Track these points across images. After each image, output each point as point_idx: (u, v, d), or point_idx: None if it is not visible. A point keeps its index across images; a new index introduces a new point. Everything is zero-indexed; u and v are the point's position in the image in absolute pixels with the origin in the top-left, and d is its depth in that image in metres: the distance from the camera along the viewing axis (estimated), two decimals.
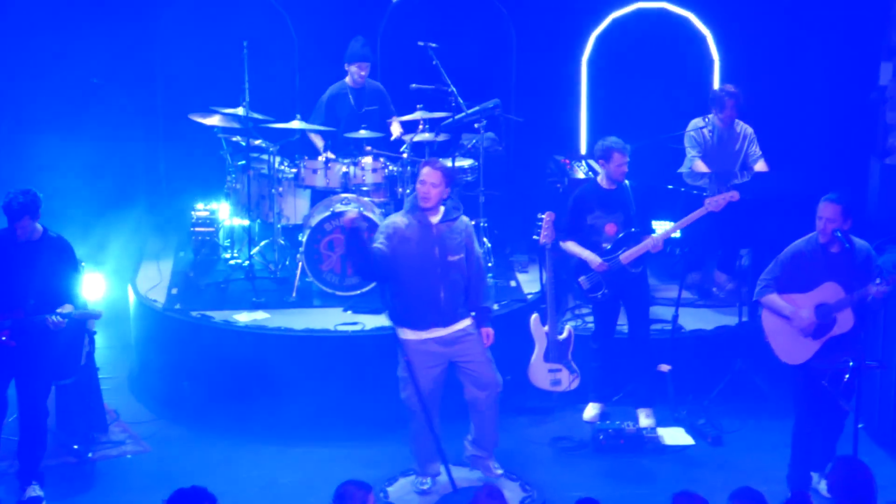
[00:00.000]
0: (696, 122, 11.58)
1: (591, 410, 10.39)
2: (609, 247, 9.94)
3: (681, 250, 11.45)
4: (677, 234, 11.02)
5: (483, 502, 6.76)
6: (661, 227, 10.32)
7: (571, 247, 10.02)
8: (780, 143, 12.67)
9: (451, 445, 9.21)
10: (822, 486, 8.83)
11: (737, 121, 11.55)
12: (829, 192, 8.69)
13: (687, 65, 12.98)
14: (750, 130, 11.57)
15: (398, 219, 8.82)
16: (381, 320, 10.38)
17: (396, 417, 10.03)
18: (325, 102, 11.81)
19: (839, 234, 8.56)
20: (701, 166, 11.46)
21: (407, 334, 8.83)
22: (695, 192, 10.98)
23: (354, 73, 11.70)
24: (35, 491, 8.94)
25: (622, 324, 10.32)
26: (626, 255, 9.90)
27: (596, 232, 9.98)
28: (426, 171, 8.71)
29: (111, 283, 10.95)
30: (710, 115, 11.51)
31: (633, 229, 9.93)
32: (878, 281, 8.52)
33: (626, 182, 10.00)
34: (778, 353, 8.86)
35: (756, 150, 11.52)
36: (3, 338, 8.65)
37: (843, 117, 12.73)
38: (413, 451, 9.14)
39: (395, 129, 11.79)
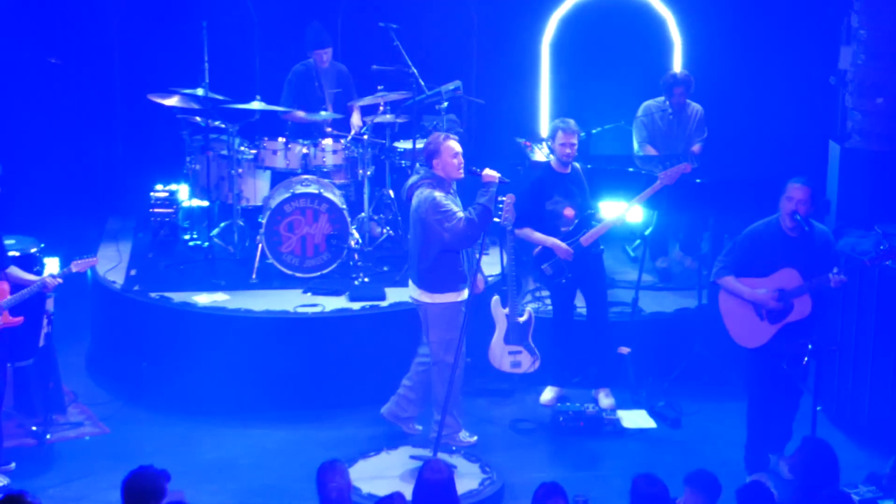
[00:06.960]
0: (648, 105, 11.64)
1: (548, 393, 10.37)
2: (569, 230, 9.95)
3: (641, 234, 11.48)
4: (639, 221, 11.04)
5: (428, 476, 6.85)
6: (616, 206, 10.30)
7: (530, 233, 9.97)
8: (740, 126, 12.74)
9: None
10: (782, 468, 8.89)
11: (689, 102, 11.60)
12: (795, 175, 8.70)
13: (648, 48, 13.00)
14: (700, 111, 11.63)
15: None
16: (340, 302, 10.37)
17: (355, 399, 10.07)
18: (291, 81, 11.76)
19: (799, 218, 8.54)
20: (650, 150, 11.50)
21: (462, 295, 9.15)
22: (644, 172, 10.94)
23: (320, 59, 11.64)
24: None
25: (581, 306, 10.34)
26: (586, 238, 9.90)
27: (556, 217, 9.99)
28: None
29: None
30: (662, 98, 11.57)
31: (590, 211, 9.95)
32: (835, 270, 8.47)
33: (577, 165, 10.05)
34: (734, 336, 8.85)
35: (701, 130, 11.59)
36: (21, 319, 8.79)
37: (803, 101, 12.78)
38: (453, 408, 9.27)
39: (355, 121, 11.73)
